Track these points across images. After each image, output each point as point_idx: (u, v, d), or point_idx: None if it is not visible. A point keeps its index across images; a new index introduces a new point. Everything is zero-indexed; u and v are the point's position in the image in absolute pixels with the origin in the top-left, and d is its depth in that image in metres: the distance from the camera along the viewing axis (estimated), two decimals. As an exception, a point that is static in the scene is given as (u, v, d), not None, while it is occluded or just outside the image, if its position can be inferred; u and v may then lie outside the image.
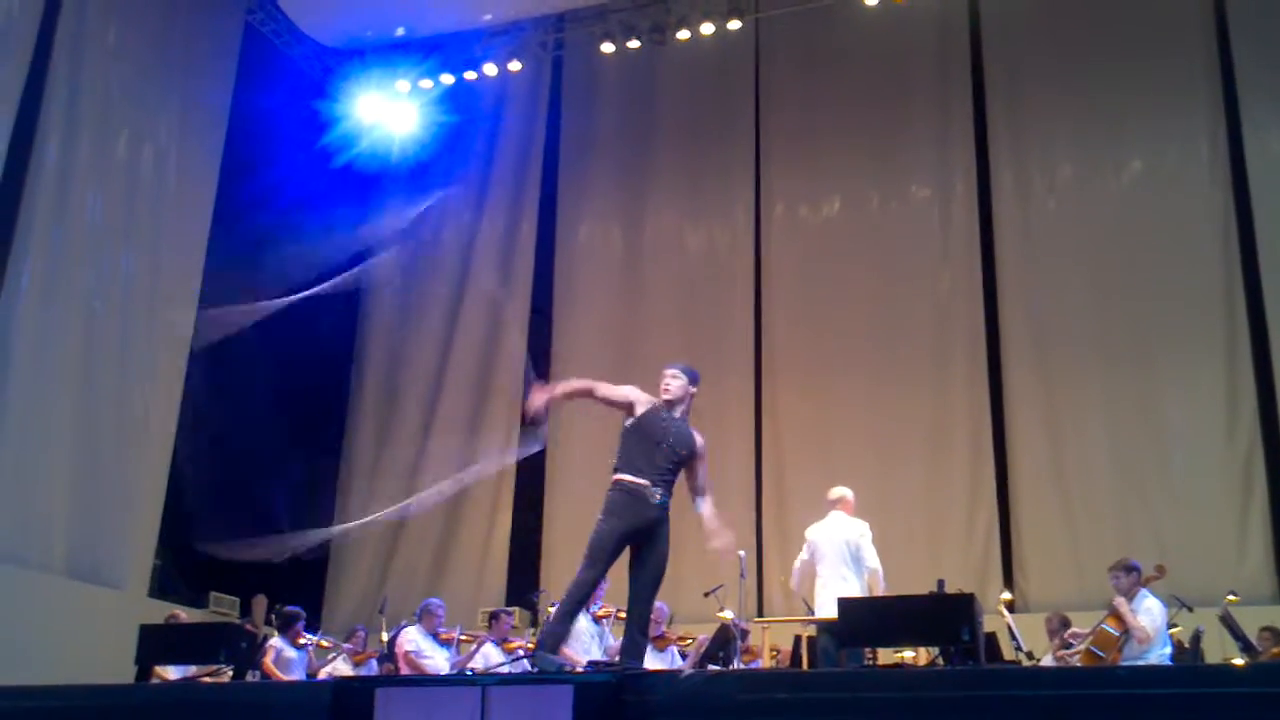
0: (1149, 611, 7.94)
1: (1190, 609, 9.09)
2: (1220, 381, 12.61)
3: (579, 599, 6.61)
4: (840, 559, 8.87)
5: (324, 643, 10.44)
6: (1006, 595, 11.09)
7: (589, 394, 6.88)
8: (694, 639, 9.95)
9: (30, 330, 11.62)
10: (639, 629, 6.53)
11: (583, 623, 9.08)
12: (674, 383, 6.77)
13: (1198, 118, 13.35)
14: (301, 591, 13.08)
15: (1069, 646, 8.72)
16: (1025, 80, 14.20)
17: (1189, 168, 13.31)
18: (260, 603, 13.29)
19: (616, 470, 6.57)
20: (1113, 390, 12.96)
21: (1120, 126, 13.61)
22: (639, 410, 6.64)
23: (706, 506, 6.75)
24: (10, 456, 11.27)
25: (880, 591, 8.88)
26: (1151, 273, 13.09)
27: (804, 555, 9.22)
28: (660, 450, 6.55)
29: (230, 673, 8.31)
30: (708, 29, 14.44)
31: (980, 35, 14.50)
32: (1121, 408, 12.90)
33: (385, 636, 10.76)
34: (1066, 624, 9.33)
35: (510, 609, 11.67)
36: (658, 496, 6.49)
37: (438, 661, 9.74)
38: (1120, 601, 7.97)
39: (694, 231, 15.27)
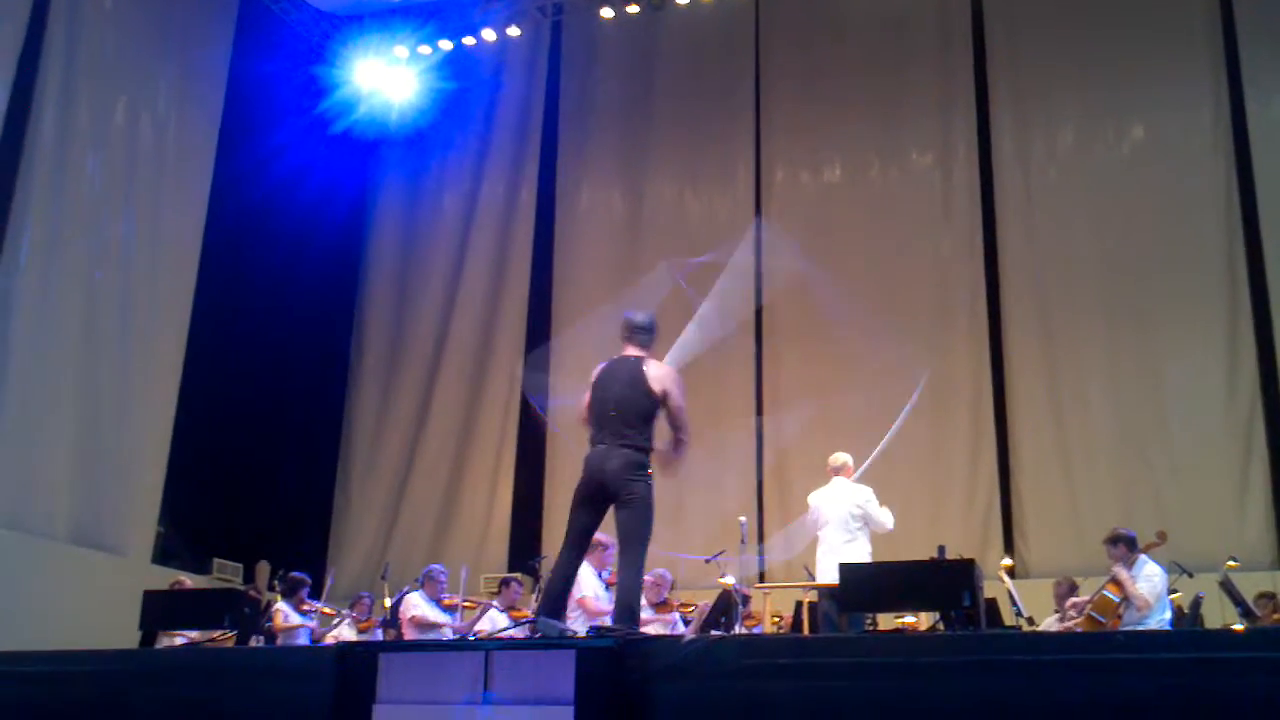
0: (1149, 578, 7.96)
1: (1190, 575, 9.10)
2: (1221, 347, 12.61)
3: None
4: (843, 525, 8.92)
5: (328, 610, 10.48)
6: (1007, 561, 11.13)
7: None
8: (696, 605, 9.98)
9: (31, 298, 11.62)
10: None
11: (600, 589, 8.95)
12: None
13: (1200, 82, 13.29)
14: (304, 557, 13.13)
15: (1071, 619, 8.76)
16: (1026, 46, 14.12)
17: (1191, 131, 13.26)
18: (263, 569, 13.37)
19: (649, 441, 6.48)
20: (1114, 356, 12.97)
21: (1122, 91, 13.55)
22: None
23: None
24: (13, 424, 11.30)
25: None
26: (1152, 237, 13.06)
27: (808, 519, 9.29)
28: None
29: (234, 638, 8.34)
30: (707, -7, 14.37)
31: (981, 1, 14.40)
32: (1122, 373, 12.91)
33: (388, 602, 10.80)
34: (1075, 589, 9.36)
35: (517, 575, 11.69)
36: None
37: (442, 620, 9.77)
38: (1119, 570, 8.00)
39: (694, 197, 15.22)
